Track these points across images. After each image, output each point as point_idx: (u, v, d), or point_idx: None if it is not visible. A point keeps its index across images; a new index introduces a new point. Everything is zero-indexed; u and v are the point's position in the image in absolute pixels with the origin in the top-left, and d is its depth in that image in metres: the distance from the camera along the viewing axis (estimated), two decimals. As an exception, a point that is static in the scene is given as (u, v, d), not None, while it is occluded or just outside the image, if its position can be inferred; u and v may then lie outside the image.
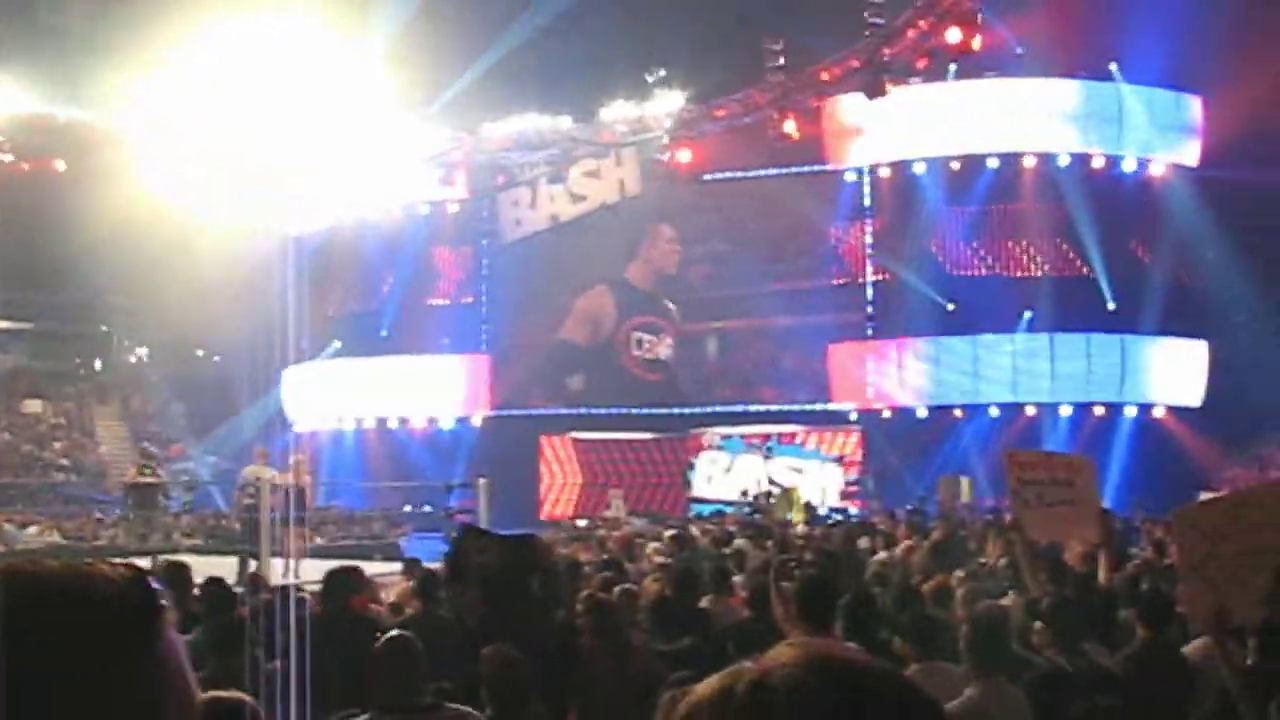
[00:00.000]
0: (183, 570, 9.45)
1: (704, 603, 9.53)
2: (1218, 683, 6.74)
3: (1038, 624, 7.25)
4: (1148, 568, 10.66)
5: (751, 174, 32.29)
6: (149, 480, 20.74)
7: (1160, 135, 30.49)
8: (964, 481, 25.33)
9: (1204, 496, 12.26)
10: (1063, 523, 9.46)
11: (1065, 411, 29.51)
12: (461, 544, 8.29)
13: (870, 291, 31.73)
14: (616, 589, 9.00)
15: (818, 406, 31.61)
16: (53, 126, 29.88)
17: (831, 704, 1.16)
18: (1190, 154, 30.52)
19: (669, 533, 17.26)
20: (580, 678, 7.68)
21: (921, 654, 7.16)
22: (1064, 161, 30.13)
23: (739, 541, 14.72)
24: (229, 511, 24.56)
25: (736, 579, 11.00)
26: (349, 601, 8.63)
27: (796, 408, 31.80)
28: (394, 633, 5.66)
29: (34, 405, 37.76)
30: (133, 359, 43.20)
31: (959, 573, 9.81)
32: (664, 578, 10.02)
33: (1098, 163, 30.31)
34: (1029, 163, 30.25)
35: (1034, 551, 9.15)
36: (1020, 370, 29.80)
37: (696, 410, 32.68)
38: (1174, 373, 30.02)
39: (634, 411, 32.95)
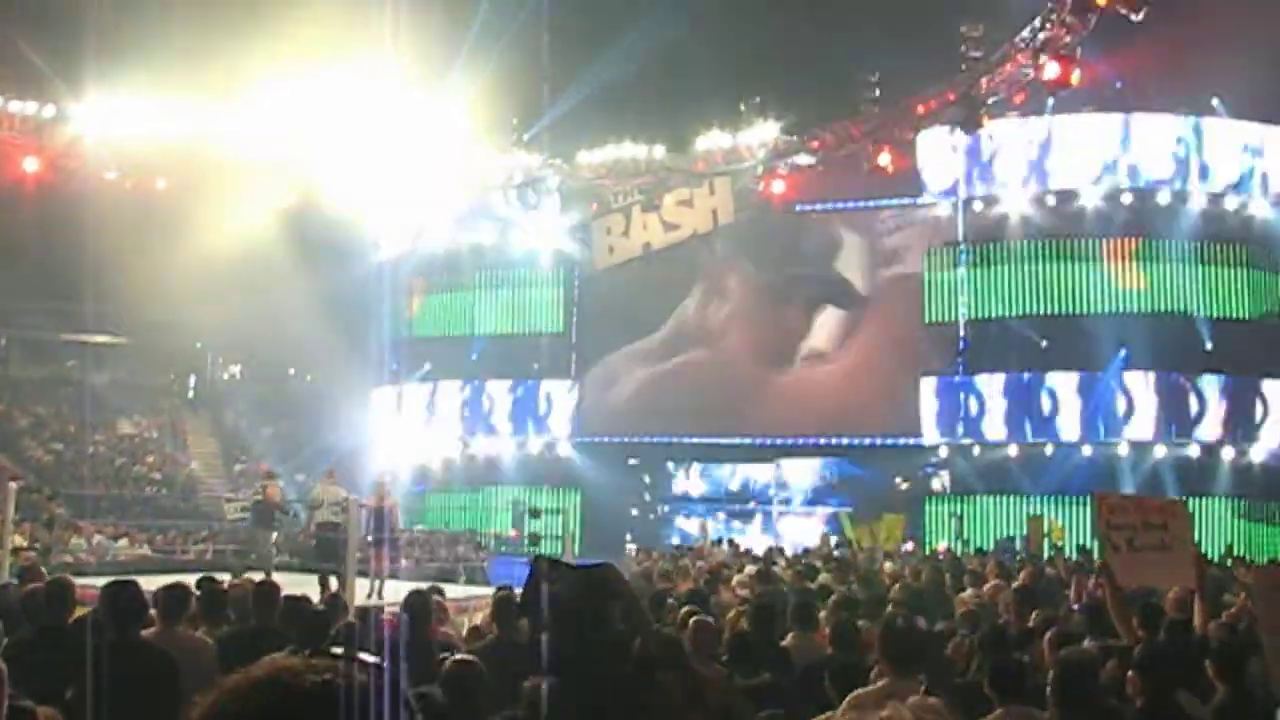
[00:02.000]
0: (272, 590, 9.50)
1: (788, 639, 9.41)
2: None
3: (1130, 673, 7.05)
4: (1245, 614, 10.36)
5: (845, 205, 32.07)
6: (268, 500, 20.83)
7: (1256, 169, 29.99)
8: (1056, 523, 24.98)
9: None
10: (1154, 568, 9.24)
11: (1160, 452, 28.97)
12: (534, 574, 8.21)
13: (962, 328, 31.32)
14: (693, 621, 8.90)
15: (909, 441, 31.28)
16: (156, 145, 30.28)
17: None
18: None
19: (751, 567, 17.15)
20: (656, 711, 7.58)
21: (1003, 698, 7.02)
22: (1163, 199, 29.69)
23: (823, 576, 14.53)
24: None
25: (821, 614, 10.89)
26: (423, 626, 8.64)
27: (887, 441, 31.54)
28: (460, 655, 5.64)
29: (127, 425, 38.30)
30: (225, 376, 43.71)
31: (1038, 614, 9.60)
32: (746, 611, 9.91)
33: (1196, 200, 29.82)
34: (1126, 199, 29.81)
35: (1125, 597, 8.94)
36: (1109, 408, 29.40)
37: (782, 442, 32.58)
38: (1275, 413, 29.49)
39: (727, 441, 32.92)
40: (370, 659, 1.56)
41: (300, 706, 1.51)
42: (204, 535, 29.19)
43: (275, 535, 21.46)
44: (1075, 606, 11.80)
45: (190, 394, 42.08)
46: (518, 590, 9.21)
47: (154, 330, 38.15)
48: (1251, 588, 6.96)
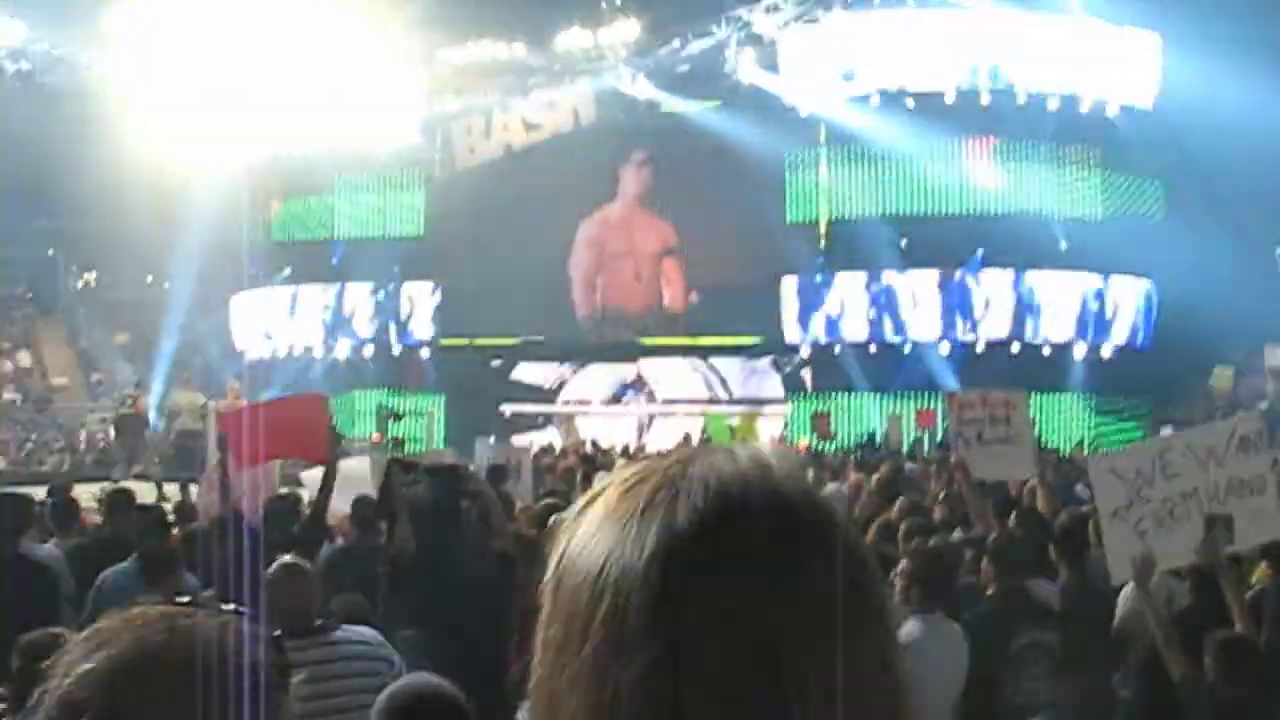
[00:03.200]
0: (125, 496, 9.38)
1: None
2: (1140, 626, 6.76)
3: (983, 562, 7.22)
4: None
5: (705, 108, 31.97)
6: (130, 413, 20.53)
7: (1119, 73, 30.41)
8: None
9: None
10: (1002, 460, 9.51)
11: (1016, 348, 29.59)
12: (388, 477, 8.17)
13: (823, 229, 31.52)
14: (552, 519, 8.91)
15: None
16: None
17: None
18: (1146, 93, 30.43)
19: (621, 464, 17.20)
20: (517, 610, 7.61)
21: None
22: (1021, 99, 30.01)
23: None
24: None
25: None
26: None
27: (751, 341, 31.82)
28: (287, 558, 5.58)
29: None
30: (79, 285, 42.63)
31: (901, 503, 9.78)
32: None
33: (1052, 103, 30.18)
34: (985, 99, 30.06)
35: (978, 489, 9.15)
36: (968, 306, 29.93)
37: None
38: (1124, 311, 30.27)
39: (591, 342, 33.07)
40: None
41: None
42: (59, 447, 28.65)
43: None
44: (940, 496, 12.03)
45: (42, 303, 40.98)
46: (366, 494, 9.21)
47: (2, 239, 37.05)
48: (1088, 473, 7.14)
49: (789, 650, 1.07)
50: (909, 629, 6.10)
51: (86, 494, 11.87)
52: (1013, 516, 8.75)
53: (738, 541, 1.08)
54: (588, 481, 10.71)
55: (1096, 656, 7.18)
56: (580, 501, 1.16)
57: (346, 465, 9.29)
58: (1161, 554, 6.41)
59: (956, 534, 9.38)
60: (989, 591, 6.99)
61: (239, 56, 29.13)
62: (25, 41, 31.18)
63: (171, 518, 9.28)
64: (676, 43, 30.90)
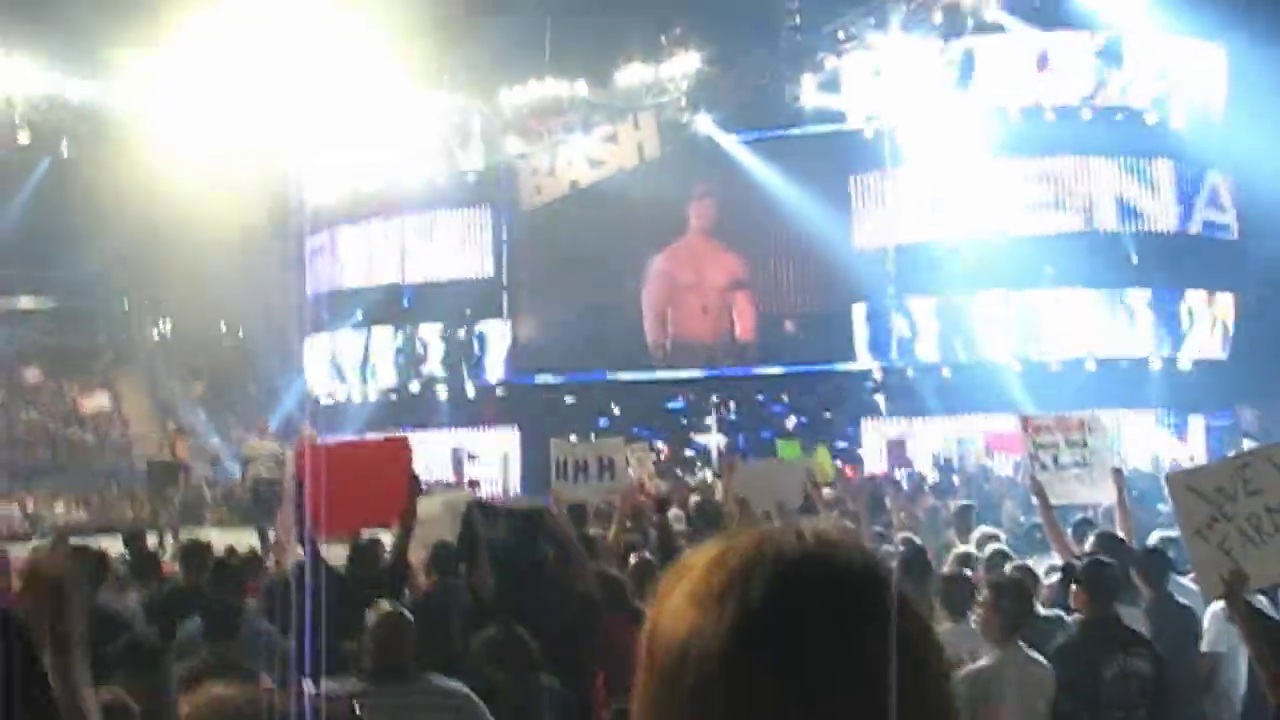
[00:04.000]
0: (200, 547, 9.50)
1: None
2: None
3: (1073, 587, 7.16)
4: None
5: (771, 134, 31.98)
6: (166, 459, 20.83)
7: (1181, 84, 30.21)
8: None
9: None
10: (1079, 483, 9.45)
11: (1091, 366, 29.34)
12: (469, 520, 8.25)
13: (892, 253, 31.40)
14: (633, 559, 8.95)
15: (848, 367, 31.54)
16: (68, 105, 29.95)
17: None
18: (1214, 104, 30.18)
19: (694, 498, 17.16)
20: (602, 649, 7.65)
21: (953, 614, 7.15)
22: (1085, 114, 29.86)
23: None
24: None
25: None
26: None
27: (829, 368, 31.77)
28: (385, 605, 5.70)
29: (34, 375, 37.81)
30: (155, 335, 43.14)
31: (981, 530, 9.74)
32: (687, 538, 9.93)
33: (1119, 115, 30.00)
34: (1050, 116, 29.92)
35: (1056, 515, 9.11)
36: (1038, 325, 29.75)
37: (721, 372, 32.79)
38: (1202, 323, 29.96)
39: (664, 376, 33.09)
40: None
41: None
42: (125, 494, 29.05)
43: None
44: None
45: (119, 354, 41.52)
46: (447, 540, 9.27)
47: (79, 293, 37.66)
48: (1171, 493, 7.07)
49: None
50: (987, 660, 6.10)
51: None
52: (1091, 540, 8.70)
53: (803, 622, 1.22)
54: (661, 514, 10.74)
55: (1187, 680, 7.13)
56: (670, 576, 1.33)
57: (425, 509, 9.33)
58: (1251, 571, 6.34)
59: (1032, 560, 9.34)
60: (1079, 618, 6.94)
61: (308, 103, 29.52)
62: (95, 95, 31.61)
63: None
64: (737, 73, 30.99)
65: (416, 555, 9.07)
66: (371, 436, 22.13)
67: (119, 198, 30.00)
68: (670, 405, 33.37)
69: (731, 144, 32.23)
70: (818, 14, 29.85)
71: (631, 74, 31.77)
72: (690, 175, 32.83)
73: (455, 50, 31.67)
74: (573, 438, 14.48)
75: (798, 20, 30.01)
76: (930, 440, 29.57)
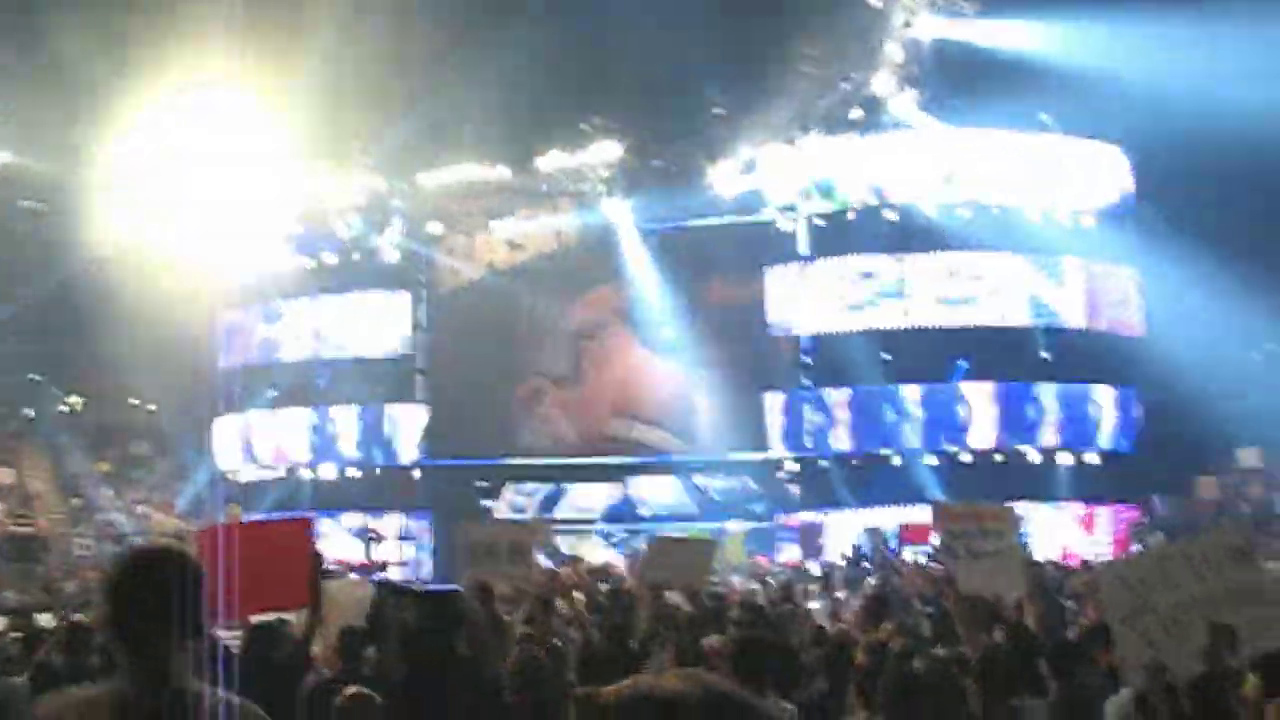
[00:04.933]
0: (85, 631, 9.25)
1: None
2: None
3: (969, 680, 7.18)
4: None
5: (688, 224, 32.20)
6: (23, 531, 20.42)
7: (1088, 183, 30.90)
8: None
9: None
10: (991, 573, 9.49)
11: (1000, 459, 29.68)
12: (379, 602, 8.14)
13: (805, 343, 31.65)
14: (545, 645, 8.88)
15: (755, 456, 31.58)
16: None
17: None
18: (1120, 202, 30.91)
19: (604, 586, 17.09)
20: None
21: (867, 706, 7.13)
22: (996, 211, 30.40)
23: (671, 594, 14.40)
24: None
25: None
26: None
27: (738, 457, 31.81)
28: (353, 689, 5.57)
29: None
30: (64, 408, 42.42)
31: (888, 626, 9.74)
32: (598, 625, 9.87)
33: (1030, 213, 30.58)
34: (964, 212, 30.41)
35: (969, 604, 9.12)
36: (951, 416, 30.06)
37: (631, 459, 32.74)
38: (1108, 418, 30.41)
39: (575, 461, 32.92)
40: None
41: None
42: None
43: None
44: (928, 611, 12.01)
45: (25, 426, 40.76)
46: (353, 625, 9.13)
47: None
48: (1097, 585, 7.15)
49: None
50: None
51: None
52: (999, 632, 8.73)
53: None
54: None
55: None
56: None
57: (334, 594, 9.19)
58: (1171, 661, 6.42)
59: (941, 650, 9.35)
60: (976, 711, 6.95)
61: (216, 184, 29.38)
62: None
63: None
64: (657, 162, 31.29)
65: (325, 639, 8.94)
66: (276, 517, 21.81)
67: (33, 268, 29.64)
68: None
69: (649, 228, 32.35)
70: (739, 106, 30.21)
71: (552, 160, 31.94)
72: (608, 259, 32.91)
73: (377, 131, 31.75)
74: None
75: (718, 111, 30.34)
76: (842, 530, 29.61)
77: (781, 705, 7.36)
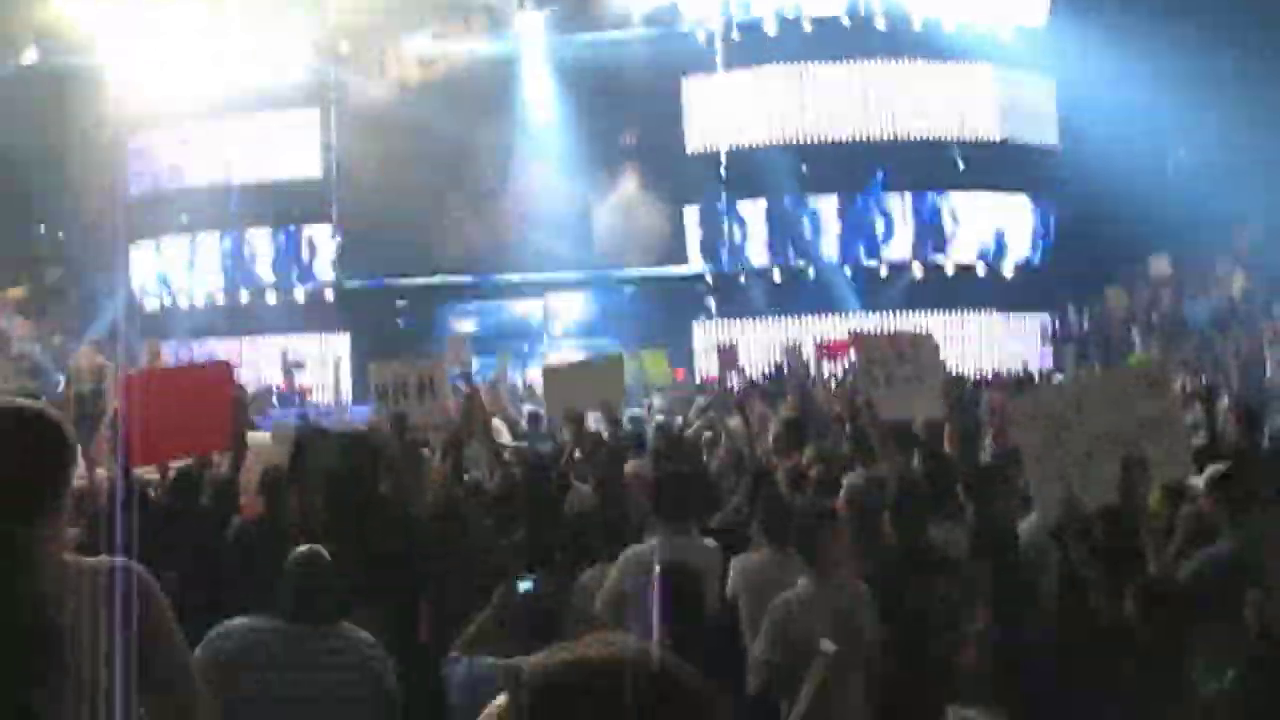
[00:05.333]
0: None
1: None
2: (1050, 561, 6.88)
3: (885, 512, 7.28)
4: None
5: (604, 36, 31.67)
6: None
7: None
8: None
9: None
10: (909, 399, 9.61)
11: (918, 272, 29.99)
12: (299, 444, 8.12)
13: (724, 156, 31.47)
14: (464, 484, 8.92)
15: (673, 270, 31.68)
16: None
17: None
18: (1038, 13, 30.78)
19: (527, 408, 17.18)
20: (429, 575, 7.62)
21: (771, 540, 7.20)
22: (915, 24, 30.20)
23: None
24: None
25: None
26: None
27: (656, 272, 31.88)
28: (307, 548, 5.52)
29: None
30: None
31: (809, 452, 9.84)
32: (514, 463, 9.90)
33: (948, 24, 30.38)
34: (880, 22, 30.19)
35: (885, 429, 9.23)
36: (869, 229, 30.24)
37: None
38: (1023, 229, 30.75)
39: (495, 279, 32.84)
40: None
41: None
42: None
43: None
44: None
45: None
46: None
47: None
48: (1011, 419, 7.26)
49: None
50: (804, 584, 6.19)
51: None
52: (916, 456, 8.86)
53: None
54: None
55: (1006, 597, 7.30)
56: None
57: (254, 438, 9.16)
58: (1085, 494, 6.54)
59: (857, 473, 9.47)
60: (892, 544, 7.06)
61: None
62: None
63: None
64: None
65: (247, 484, 8.92)
66: (195, 359, 21.45)
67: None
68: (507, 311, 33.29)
69: (562, 39, 31.83)
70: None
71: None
72: (518, 79, 32.40)
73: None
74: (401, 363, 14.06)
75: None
76: (760, 345, 29.86)
77: (707, 544, 7.47)
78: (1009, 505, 7.82)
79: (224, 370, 9.05)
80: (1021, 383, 18.92)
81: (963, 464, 8.86)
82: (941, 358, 10.48)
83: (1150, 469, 6.58)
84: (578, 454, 10.99)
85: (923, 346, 9.86)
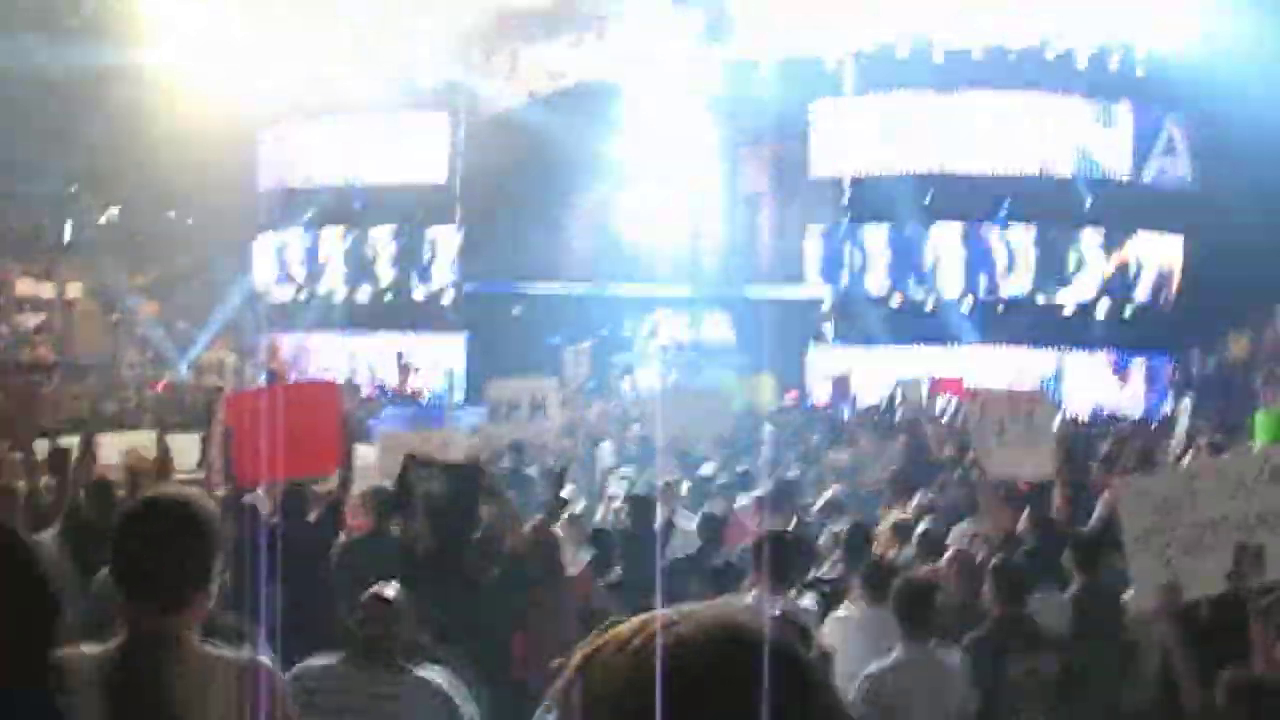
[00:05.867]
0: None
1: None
2: (1155, 641, 6.71)
3: (985, 587, 7.12)
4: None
5: (734, 56, 31.57)
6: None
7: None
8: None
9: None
10: (1021, 459, 9.44)
11: (1037, 305, 29.51)
12: (405, 472, 8.18)
13: (847, 182, 31.22)
14: (565, 514, 8.92)
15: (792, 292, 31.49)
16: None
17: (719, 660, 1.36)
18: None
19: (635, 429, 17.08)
20: (526, 608, 7.64)
21: (873, 600, 7.08)
22: (1048, 54, 29.77)
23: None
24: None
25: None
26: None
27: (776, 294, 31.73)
28: (380, 589, 5.50)
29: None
30: (103, 220, 42.45)
31: (917, 501, 9.70)
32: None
33: (1081, 57, 29.91)
34: (1012, 56, 29.80)
35: (995, 488, 9.09)
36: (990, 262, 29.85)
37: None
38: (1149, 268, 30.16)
39: (610, 292, 32.82)
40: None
41: None
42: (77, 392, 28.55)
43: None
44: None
45: (66, 239, 40.90)
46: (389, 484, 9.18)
47: (27, 175, 36.91)
48: (1116, 496, 7.08)
49: None
50: (896, 655, 6.10)
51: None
52: (1025, 518, 8.67)
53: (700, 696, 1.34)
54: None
55: (1105, 673, 7.15)
56: (587, 653, 1.45)
57: (361, 452, 9.25)
58: (1188, 582, 6.35)
59: (965, 524, 9.33)
60: (991, 614, 6.91)
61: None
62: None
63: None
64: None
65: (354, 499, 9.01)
66: (311, 353, 21.60)
67: (68, 84, 29.41)
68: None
69: (694, 59, 31.76)
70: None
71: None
72: (645, 91, 32.35)
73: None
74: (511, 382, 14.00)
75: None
76: (874, 373, 29.58)
77: (803, 606, 7.39)
78: (1117, 573, 7.63)
79: (333, 391, 9.17)
80: (1137, 432, 18.55)
81: (1071, 527, 8.68)
82: (1058, 416, 10.32)
83: (1265, 563, 6.38)
84: (684, 490, 10.97)
85: (1041, 406, 9.69)
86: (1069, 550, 7.88)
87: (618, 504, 9.85)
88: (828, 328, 31.52)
